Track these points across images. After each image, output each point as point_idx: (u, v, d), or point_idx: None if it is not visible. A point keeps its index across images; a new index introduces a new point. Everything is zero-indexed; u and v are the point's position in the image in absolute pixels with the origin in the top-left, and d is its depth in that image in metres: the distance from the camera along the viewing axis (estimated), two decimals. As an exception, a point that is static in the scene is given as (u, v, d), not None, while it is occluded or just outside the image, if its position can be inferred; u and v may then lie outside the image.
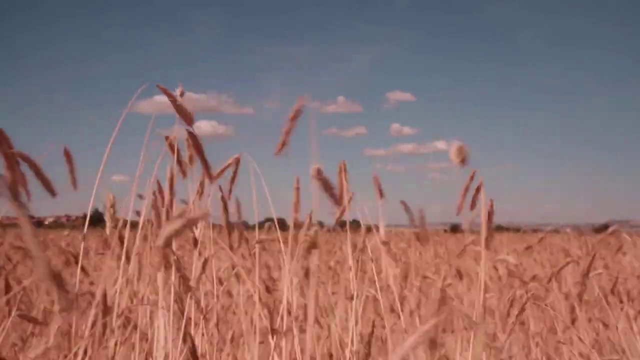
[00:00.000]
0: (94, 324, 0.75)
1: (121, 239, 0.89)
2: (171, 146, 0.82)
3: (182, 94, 0.76)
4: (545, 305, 1.17)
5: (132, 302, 0.87)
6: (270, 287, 1.17)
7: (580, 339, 1.09)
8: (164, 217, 0.82)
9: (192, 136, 0.74)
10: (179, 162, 0.83)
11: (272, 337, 0.84)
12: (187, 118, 0.74)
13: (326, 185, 0.69)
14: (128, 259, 0.84)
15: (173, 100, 0.72)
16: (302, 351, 0.87)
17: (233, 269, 1.04)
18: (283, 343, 0.85)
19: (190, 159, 0.84)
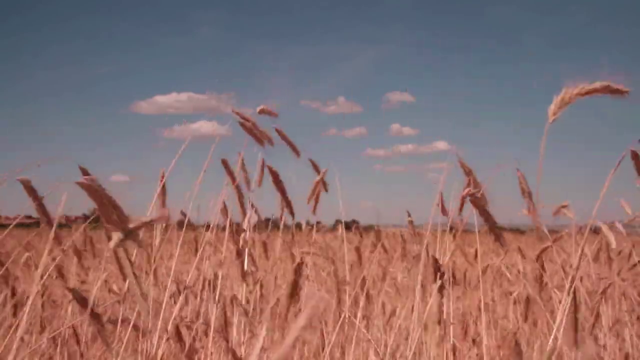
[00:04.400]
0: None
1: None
2: (228, 168, 0.87)
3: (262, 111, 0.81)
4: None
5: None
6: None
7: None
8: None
9: (274, 174, 0.82)
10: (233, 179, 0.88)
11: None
12: (263, 139, 0.80)
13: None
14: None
15: (247, 122, 0.77)
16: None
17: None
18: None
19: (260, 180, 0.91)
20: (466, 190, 0.60)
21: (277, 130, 0.89)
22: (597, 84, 0.53)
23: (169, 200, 0.91)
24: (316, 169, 0.95)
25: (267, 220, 1.12)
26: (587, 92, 0.54)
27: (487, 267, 1.45)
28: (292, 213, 0.86)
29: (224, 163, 0.86)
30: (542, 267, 1.00)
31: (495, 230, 0.63)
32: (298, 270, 0.59)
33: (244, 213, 0.90)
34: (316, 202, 0.94)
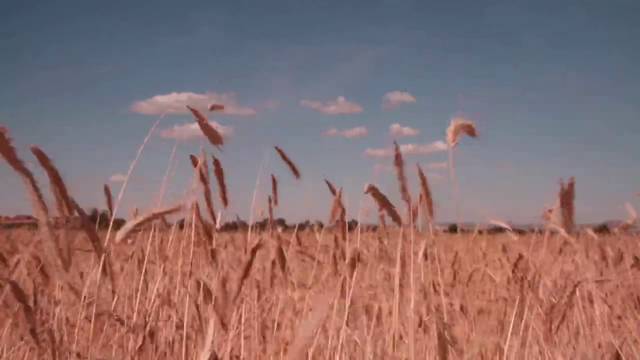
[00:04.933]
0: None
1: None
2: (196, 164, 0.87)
3: (213, 108, 0.82)
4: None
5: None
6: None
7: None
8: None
9: (217, 163, 0.83)
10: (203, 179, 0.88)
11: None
12: (216, 139, 0.80)
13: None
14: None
15: (202, 121, 0.78)
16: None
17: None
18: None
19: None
20: (367, 186, 0.63)
21: (277, 149, 0.90)
22: (466, 123, 0.66)
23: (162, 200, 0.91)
24: (332, 189, 0.97)
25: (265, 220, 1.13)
26: (461, 129, 0.65)
27: (474, 272, 1.46)
28: (225, 204, 0.87)
29: (193, 159, 0.87)
30: (517, 269, 1.02)
31: (398, 219, 0.67)
32: (253, 253, 0.64)
33: (212, 212, 0.90)
34: (333, 215, 0.96)
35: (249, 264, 0.66)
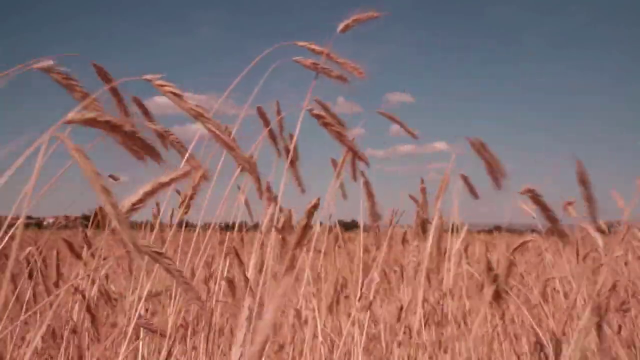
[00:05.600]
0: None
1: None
2: (270, 133, 0.79)
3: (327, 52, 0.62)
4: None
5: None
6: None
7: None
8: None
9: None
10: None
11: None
12: (353, 72, 0.65)
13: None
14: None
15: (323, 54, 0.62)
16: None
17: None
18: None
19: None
20: (525, 188, 0.60)
21: (314, 116, 0.67)
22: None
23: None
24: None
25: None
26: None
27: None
28: (364, 161, 0.68)
29: (259, 110, 0.78)
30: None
31: (558, 229, 0.62)
32: (310, 214, 0.60)
33: (261, 194, 0.79)
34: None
35: (306, 226, 0.62)
